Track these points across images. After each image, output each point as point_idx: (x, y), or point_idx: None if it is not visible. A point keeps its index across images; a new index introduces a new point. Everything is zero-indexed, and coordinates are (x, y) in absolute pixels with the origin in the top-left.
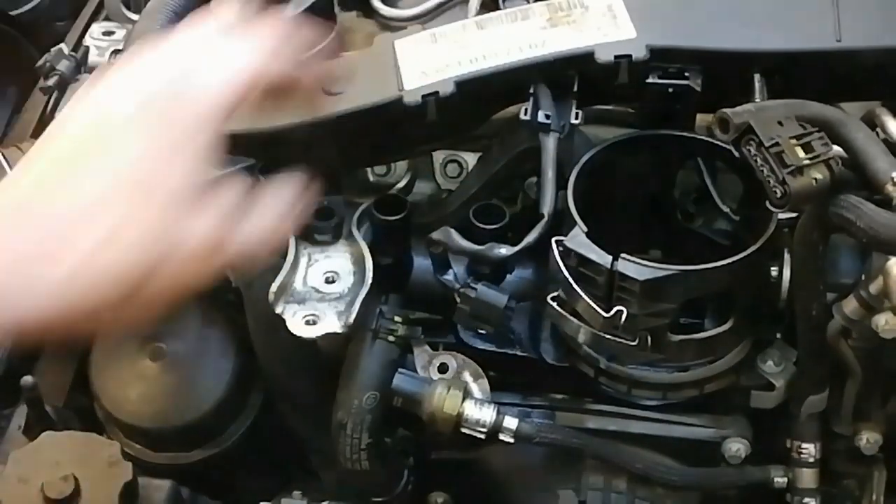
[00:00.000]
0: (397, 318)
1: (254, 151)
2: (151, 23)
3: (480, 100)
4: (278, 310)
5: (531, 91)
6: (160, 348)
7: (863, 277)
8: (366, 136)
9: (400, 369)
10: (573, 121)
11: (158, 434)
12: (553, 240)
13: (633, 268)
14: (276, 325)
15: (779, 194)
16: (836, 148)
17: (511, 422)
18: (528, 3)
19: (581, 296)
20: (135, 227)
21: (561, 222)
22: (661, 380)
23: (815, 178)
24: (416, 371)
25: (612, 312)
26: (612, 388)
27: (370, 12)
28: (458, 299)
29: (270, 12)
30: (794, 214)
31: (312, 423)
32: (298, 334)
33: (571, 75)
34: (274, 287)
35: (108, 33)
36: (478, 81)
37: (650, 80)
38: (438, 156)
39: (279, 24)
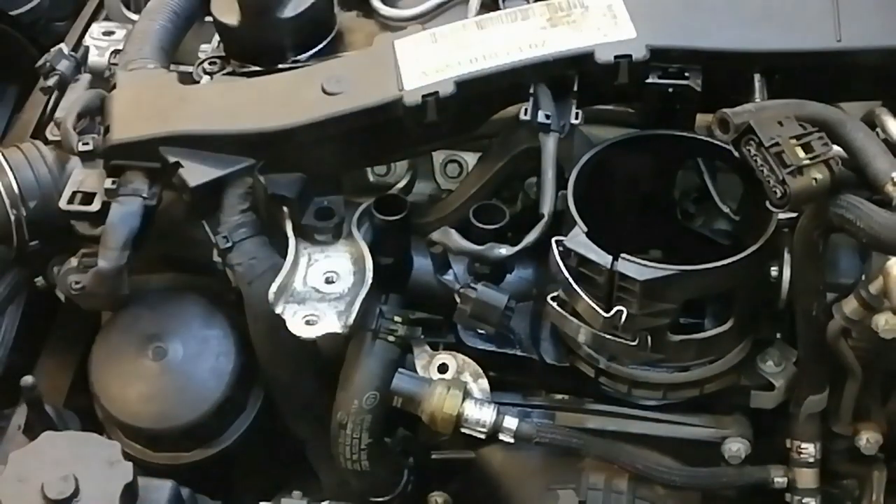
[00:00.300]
0: (397, 318)
1: (254, 151)
2: (151, 23)
3: (480, 100)
4: (278, 310)
5: (531, 91)
6: (160, 348)
7: (863, 277)
8: (366, 136)
9: (400, 369)
10: (573, 121)
11: (158, 434)
12: (553, 240)
13: (633, 268)
14: (276, 325)
15: (779, 194)
16: (836, 148)
17: (511, 422)
18: (528, 3)
19: (581, 296)
20: None
21: (561, 222)
22: (661, 380)
23: (815, 178)
24: (416, 371)
25: (612, 312)
26: (612, 388)
27: (370, 12)
28: (458, 299)
29: None
30: (794, 214)
31: (312, 423)
32: (298, 334)
33: (571, 75)
34: (274, 287)
35: (108, 33)
36: (478, 81)
37: (650, 80)
38: (438, 156)
39: None
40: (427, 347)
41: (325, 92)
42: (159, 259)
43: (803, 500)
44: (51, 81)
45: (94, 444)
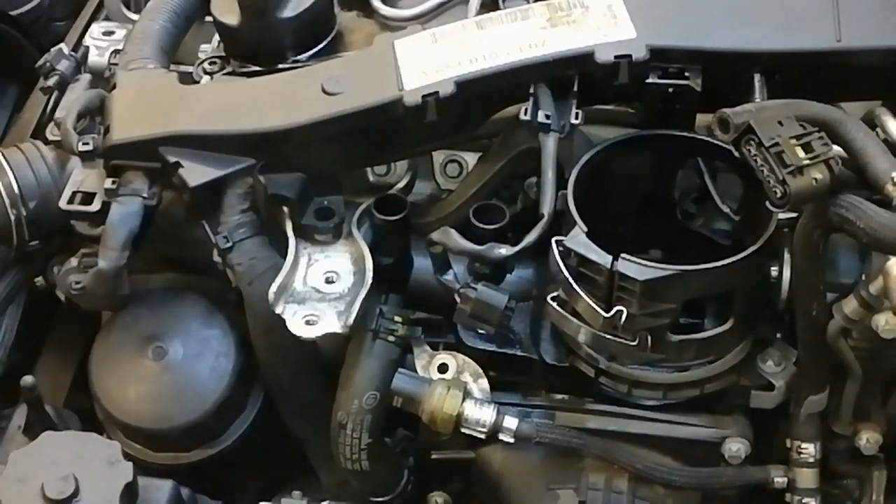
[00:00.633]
0: (397, 318)
1: (254, 151)
2: (151, 23)
3: (480, 100)
4: (278, 310)
5: (531, 91)
6: (160, 348)
7: (863, 277)
8: (366, 136)
9: (400, 369)
10: (573, 121)
11: (158, 434)
12: (553, 240)
13: (633, 268)
14: (276, 325)
15: (779, 194)
16: (836, 148)
17: (511, 422)
18: (528, 3)
19: (581, 296)
20: None
21: (561, 222)
22: (661, 380)
23: (815, 178)
24: (416, 371)
25: (612, 312)
26: (612, 388)
27: (370, 12)
28: (458, 299)
29: None
30: (794, 214)
31: (312, 423)
32: (298, 334)
33: (571, 75)
34: (274, 287)
35: (108, 33)
36: (478, 81)
37: (650, 80)
38: (438, 156)
39: None
40: (427, 347)
41: (325, 92)
42: (159, 259)
43: (803, 500)
44: (51, 81)
45: (94, 444)
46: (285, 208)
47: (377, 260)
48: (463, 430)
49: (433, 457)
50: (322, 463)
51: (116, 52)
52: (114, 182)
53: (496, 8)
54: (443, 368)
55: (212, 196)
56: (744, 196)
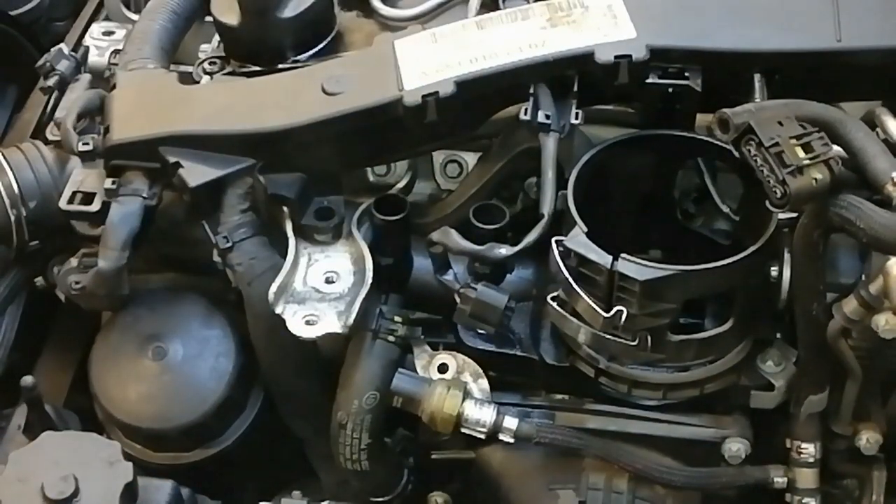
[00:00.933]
0: (397, 318)
1: (254, 151)
2: (151, 23)
3: (480, 100)
4: (278, 310)
5: (531, 91)
6: (160, 348)
7: (863, 277)
8: (366, 136)
9: (400, 369)
10: (573, 121)
11: (158, 434)
12: (553, 240)
13: (633, 268)
14: (276, 325)
15: (779, 194)
16: (836, 148)
17: (511, 422)
18: (528, 3)
19: (581, 296)
20: None
21: (561, 222)
22: (662, 380)
23: (815, 178)
24: (416, 371)
25: (612, 312)
26: (612, 388)
27: (370, 12)
28: (458, 299)
29: None
30: (794, 214)
31: (312, 423)
32: (298, 334)
33: (571, 75)
34: (274, 287)
35: (108, 33)
36: (478, 81)
37: (650, 80)
38: (438, 156)
39: None
40: (427, 347)
41: (325, 92)
42: (159, 259)
43: (803, 500)
44: (51, 81)
45: (94, 444)
46: (285, 208)
47: (377, 260)
48: (463, 430)
49: (433, 457)
50: (322, 463)
51: (116, 52)
52: (114, 182)
53: (496, 8)
54: (443, 368)
55: (212, 196)
56: (744, 196)
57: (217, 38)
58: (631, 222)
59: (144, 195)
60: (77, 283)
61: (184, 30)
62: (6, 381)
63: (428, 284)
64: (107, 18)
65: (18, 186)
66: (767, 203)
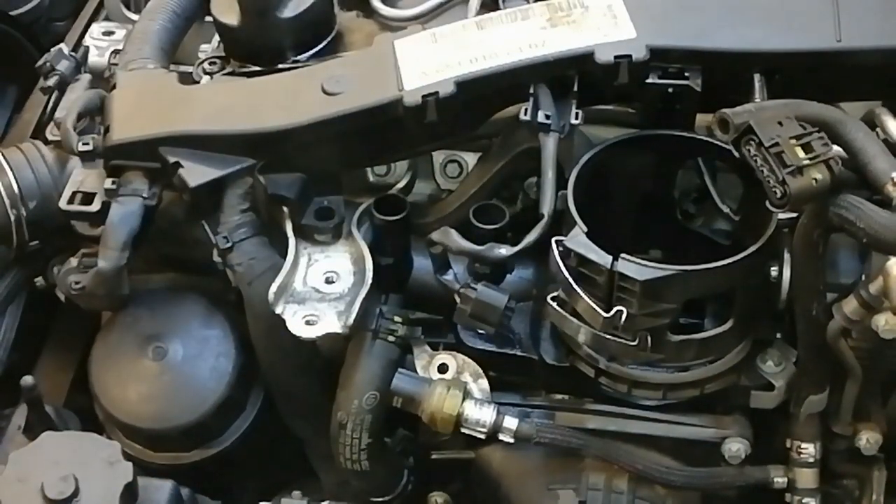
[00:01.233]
0: (397, 318)
1: (254, 151)
2: (151, 23)
3: (480, 100)
4: (278, 310)
5: (531, 91)
6: (160, 348)
7: (863, 277)
8: (366, 136)
9: (400, 369)
10: (573, 121)
11: (158, 434)
12: (553, 240)
13: (633, 268)
14: (276, 325)
15: (779, 194)
16: (836, 148)
17: (511, 422)
18: (528, 3)
19: (581, 296)
20: None
21: (561, 222)
22: (661, 380)
23: (815, 178)
24: (416, 371)
25: (612, 312)
26: (612, 388)
27: (370, 12)
28: (458, 299)
29: None
30: (794, 214)
31: (312, 423)
32: (298, 334)
33: (571, 75)
34: (274, 287)
35: (108, 33)
36: (478, 81)
37: (650, 80)
38: (438, 156)
39: None
40: (427, 347)
41: (325, 92)
42: (159, 259)
43: (803, 500)
44: (51, 81)
45: (94, 444)
46: (285, 208)
47: (377, 260)
48: (463, 430)
49: (433, 457)
50: (322, 463)
51: (116, 52)
52: (114, 182)
53: (496, 8)
54: (443, 368)
55: (212, 196)
56: (744, 196)
57: (217, 38)
58: (631, 222)
59: (144, 195)
60: (77, 283)
61: (184, 30)
62: (6, 381)
63: (428, 284)
64: (107, 18)
65: (18, 186)
66: (767, 203)
